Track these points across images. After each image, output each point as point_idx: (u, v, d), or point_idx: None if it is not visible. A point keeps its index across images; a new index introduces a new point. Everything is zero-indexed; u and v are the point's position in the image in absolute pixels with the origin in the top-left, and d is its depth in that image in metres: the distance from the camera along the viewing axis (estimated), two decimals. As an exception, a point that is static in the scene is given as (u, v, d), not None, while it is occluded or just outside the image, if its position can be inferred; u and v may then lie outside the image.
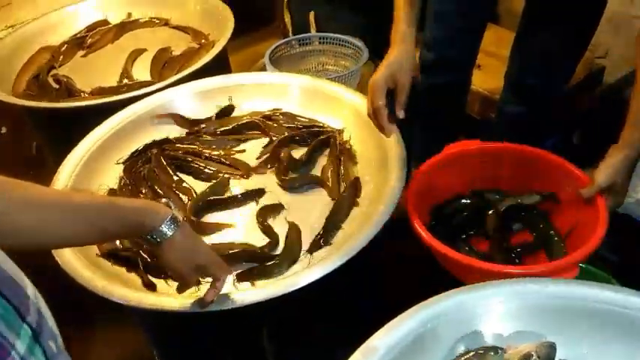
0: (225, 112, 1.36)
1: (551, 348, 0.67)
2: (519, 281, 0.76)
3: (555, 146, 1.51)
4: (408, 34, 1.04)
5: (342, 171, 1.16)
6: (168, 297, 0.88)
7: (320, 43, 1.84)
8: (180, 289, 0.86)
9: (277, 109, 1.33)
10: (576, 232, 1.08)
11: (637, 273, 1.36)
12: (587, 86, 1.69)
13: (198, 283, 0.88)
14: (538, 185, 1.17)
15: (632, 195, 1.24)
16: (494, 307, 0.73)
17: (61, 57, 1.74)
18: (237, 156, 1.25)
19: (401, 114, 1.04)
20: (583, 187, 1.05)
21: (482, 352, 0.69)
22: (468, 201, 1.22)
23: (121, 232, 0.77)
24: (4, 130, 2.01)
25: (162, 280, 0.96)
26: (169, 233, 0.76)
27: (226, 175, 1.19)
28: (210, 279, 0.84)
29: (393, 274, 1.30)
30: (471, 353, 0.69)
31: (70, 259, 0.91)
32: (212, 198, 1.13)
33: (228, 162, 1.23)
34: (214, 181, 1.18)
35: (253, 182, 1.18)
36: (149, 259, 0.99)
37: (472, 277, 1.00)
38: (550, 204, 1.17)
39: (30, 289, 0.49)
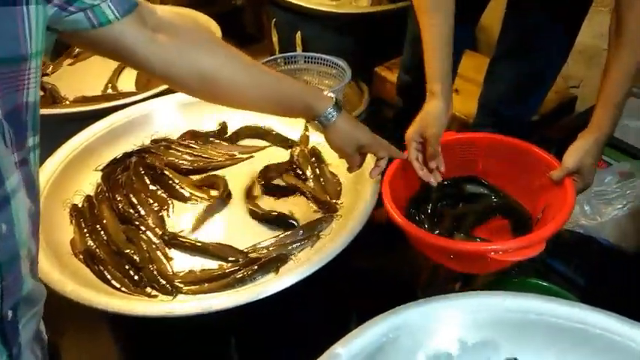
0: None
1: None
2: (478, 294, 0.78)
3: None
4: (439, 90, 1.08)
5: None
6: (136, 301, 0.89)
7: (305, 62, 1.86)
8: (350, 170, 1.01)
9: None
10: (545, 215, 1.08)
11: (603, 294, 1.39)
12: (559, 114, 1.74)
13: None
14: (514, 171, 1.17)
15: (596, 218, 1.27)
16: (455, 318, 0.75)
17: (50, 66, 1.75)
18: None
19: (432, 164, 1.08)
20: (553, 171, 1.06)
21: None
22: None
23: (296, 109, 0.89)
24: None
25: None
26: (332, 118, 0.88)
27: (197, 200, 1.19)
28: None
29: (358, 284, 1.32)
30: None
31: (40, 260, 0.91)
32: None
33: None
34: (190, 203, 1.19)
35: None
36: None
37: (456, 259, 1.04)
38: (521, 190, 1.17)
39: None
